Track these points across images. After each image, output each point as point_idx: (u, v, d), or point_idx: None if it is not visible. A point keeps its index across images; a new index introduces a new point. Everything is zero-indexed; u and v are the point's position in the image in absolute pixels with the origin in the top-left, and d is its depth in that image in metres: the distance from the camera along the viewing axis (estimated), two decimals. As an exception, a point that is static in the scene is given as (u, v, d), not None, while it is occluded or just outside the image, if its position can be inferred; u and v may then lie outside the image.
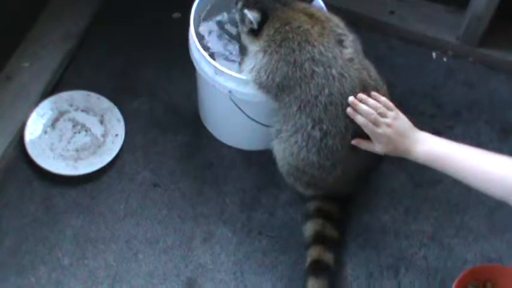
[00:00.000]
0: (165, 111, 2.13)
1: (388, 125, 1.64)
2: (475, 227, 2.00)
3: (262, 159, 2.05)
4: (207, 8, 1.99)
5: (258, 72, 1.75)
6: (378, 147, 1.67)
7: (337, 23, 1.76)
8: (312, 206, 1.91)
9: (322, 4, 1.93)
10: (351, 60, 1.71)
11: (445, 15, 2.43)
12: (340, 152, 1.74)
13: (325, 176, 1.82)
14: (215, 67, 1.84)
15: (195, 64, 1.91)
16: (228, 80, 1.84)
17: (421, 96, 2.28)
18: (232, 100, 1.87)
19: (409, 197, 2.04)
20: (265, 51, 1.73)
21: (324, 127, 1.71)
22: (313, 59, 1.68)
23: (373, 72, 1.77)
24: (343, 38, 1.73)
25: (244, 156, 2.07)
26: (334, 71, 1.68)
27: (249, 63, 1.79)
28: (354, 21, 1.79)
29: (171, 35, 2.20)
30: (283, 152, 1.83)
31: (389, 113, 1.65)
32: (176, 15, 2.29)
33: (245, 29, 1.78)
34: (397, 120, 1.65)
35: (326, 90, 1.68)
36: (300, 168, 1.82)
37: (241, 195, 2.00)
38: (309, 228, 1.87)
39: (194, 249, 1.89)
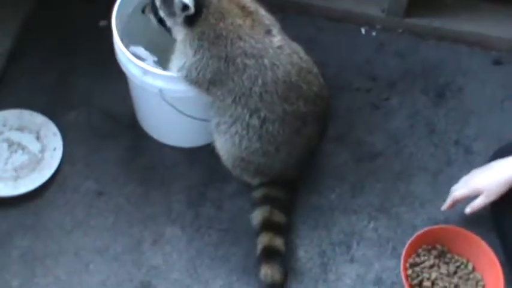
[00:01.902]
0: (102, 118, 2.11)
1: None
2: (419, 193, 2.04)
3: (205, 154, 2.05)
4: (129, 12, 1.98)
5: (189, 70, 1.74)
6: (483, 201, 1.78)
7: (264, 13, 1.77)
8: (258, 193, 1.92)
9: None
10: (280, 47, 1.73)
11: (369, -10, 2.46)
12: (282, 135, 1.76)
13: (271, 162, 1.83)
14: (142, 68, 1.83)
15: (122, 68, 1.90)
16: (157, 79, 1.83)
17: (355, 73, 2.30)
18: (164, 99, 1.86)
19: (352, 172, 2.06)
20: (196, 49, 1.72)
21: (262, 114, 1.73)
22: (245, 54, 1.69)
23: (302, 53, 1.79)
24: (271, 27, 1.74)
25: (186, 154, 2.07)
26: (266, 61, 1.69)
27: (179, 60, 1.77)
28: (280, 6, 1.79)
29: (100, 43, 2.17)
30: (225, 144, 1.84)
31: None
32: (103, 23, 2.27)
33: (179, 20, 1.71)
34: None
35: (259, 81, 1.70)
36: (245, 158, 1.83)
37: (187, 192, 2.00)
38: (257, 216, 1.88)
39: (145, 252, 1.88)
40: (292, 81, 1.73)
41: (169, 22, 1.74)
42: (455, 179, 1.90)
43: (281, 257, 1.82)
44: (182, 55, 1.76)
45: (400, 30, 2.43)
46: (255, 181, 1.93)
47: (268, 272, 1.79)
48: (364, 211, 1.99)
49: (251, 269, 1.86)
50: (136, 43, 1.97)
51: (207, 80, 1.74)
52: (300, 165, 1.93)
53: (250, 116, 1.74)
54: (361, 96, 2.24)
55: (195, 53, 1.73)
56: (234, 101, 1.73)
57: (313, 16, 2.42)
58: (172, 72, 1.80)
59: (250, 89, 1.71)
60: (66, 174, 2.00)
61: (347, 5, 2.43)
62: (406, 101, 2.25)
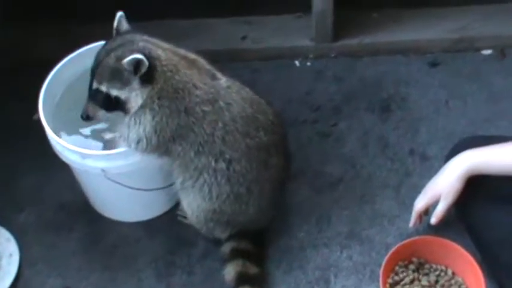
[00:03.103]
0: (54, 212, 2.07)
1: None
2: (386, 211, 2.01)
3: (164, 223, 2.02)
4: (56, 101, 1.96)
5: (148, 137, 1.68)
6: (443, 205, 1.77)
7: (202, 60, 1.75)
8: (227, 248, 1.87)
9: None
10: (229, 87, 1.72)
11: (294, 23, 2.48)
12: (251, 172, 1.73)
13: (245, 206, 1.79)
14: (80, 153, 1.80)
15: (61, 157, 1.87)
16: (98, 160, 1.81)
17: (298, 106, 2.30)
18: (108, 178, 1.83)
19: (316, 206, 2.03)
20: (156, 111, 1.66)
21: (227, 156, 1.70)
22: (202, 101, 1.67)
23: (247, 89, 1.78)
24: (213, 71, 1.73)
25: (145, 227, 2.02)
26: (221, 103, 1.68)
27: (135, 132, 1.69)
28: (211, 56, 1.78)
29: (37, 137, 2.14)
30: (194, 200, 1.79)
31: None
32: (36, 116, 2.24)
33: (135, 84, 1.63)
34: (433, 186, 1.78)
35: (219, 124, 1.68)
36: (217, 209, 1.79)
37: (155, 265, 1.94)
38: (230, 272, 1.83)
39: (124, 337, 1.82)
40: (248, 115, 1.71)
41: (124, 94, 1.65)
42: (418, 188, 1.88)
43: None
44: (138, 125, 1.69)
45: (333, 55, 2.44)
46: (226, 234, 1.88)
47: None
48: (335, 242, 1.95)
49: (233, 330, 1.80)
50: (76, 127, 1.95)
51: (166, 141, 1.69)
52: (273, 206, 1.89)
53: (216, 161, 1.70)
54: (309, 128, 2.23)
55: (154, 116, 1.67)
56: (197, 152, 1.70)
57: (246, 60, 2.43)
58: (129, 147, 1.74)
59: (212, 134, 1.68)
60: (28, 278, 1.93)
61: (276, 42, 2.45)
62: (354, 123, 2.24)
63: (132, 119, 1.70)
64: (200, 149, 1.69)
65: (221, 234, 1.89)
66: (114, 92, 1.65)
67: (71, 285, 1.92)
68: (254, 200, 1.79)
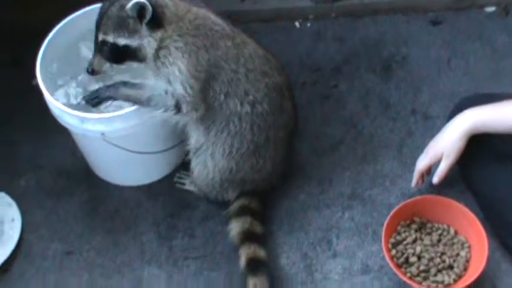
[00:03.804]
0: (55, 177, 2.06)
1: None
2: (388, 171, 2.00)
3: (165, 186, 2.01)
4: (54, 66, 1.94)
5: (187, 80, 1.64)
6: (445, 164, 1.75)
7: None
8: (236, 204, 1.86)
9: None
10: (236, 29, 1.74)
11: (293, -16, 2.43)
12: (270, 115, 1.75)
13: (262, 161, 1.80)
14: (79, 116, 1.79)
15: (60, 121, 1.86)
16: (97, 123, 1.80)
17: (298, 67, 2.27)
18: (108, 141, 1.82)
19: (317, 167, 2.02)
20: (183, 49, 1.63)
21: (251, 97, 1.71)
22: (222, 36, 1.67)
23: None
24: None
25: (147, 191, 2.02)
26: (238, 40, 1.69)
27: (172, 74, 1.64)
28: None
29: (35, 103, 2.12)
30: (211, 160, 1.79)
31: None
32: (34, 81, 2.21)
33: (144, 31, 1.61)
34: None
35: (241, 59, 1.68)
36: (234, 167, 1.79)
37: (156, 229, 1.94)
38: (237, 227, 1.82)
39: (128, 300, 1.82)
40: (261, 55, 1.73)
41: (134, 42, 1.63)
42: (420, 148, 1.87)
43: (267, 267, 1.77)
44: (171, 66, 1.64)
45: (334, 15, 2.40)
46: (235, 194, 1.87)
47: (256, 283, 1.73)
48: (337, 203, 1.95)
49: (237, 289, 1.81)
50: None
51: (203, 82, 1.66)
52: (284, 161, 1.89)
53: (241, 104, 1.71)
54: (309, 89, 2.21)
55: (183, 54, 1.64)
56: (226, 94, 1.69)
57: (245, 22, 2.37)
58: (166, 89, 1.68)
59: (237, 71, 1.68)
60: (30, 242, 1.94)
61: (276, 4, 2.41)
62: (354, 84, 2.21)
63: (160, 63, 1.65)
64: (228, 89, 1.68)
65: (230, 195, 1.88)
66: (122, 41, 1.64)
67: (73, 250, 1.92)
68: (270, 152, 1.80)
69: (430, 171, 1.84)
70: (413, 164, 1.86)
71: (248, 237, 1.81)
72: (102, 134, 1.80)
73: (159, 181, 2.02)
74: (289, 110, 1.82)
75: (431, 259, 1.74)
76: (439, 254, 1.74)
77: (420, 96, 2.14)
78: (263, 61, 1.73)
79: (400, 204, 1.79)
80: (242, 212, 1.85)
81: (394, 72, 2.22)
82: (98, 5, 1.71)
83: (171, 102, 1.69)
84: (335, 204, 1.94)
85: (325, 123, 2.12)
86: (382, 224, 1.78)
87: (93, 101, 1.76)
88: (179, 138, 1.96)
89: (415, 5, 2.36)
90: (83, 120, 1.80)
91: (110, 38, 1.64)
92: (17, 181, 2.05)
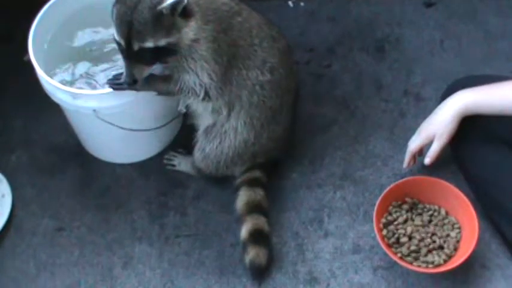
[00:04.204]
0: (46, 153, 2.05)
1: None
2: (379, 151, 2.00)
3: (157, 164, 2.01)
4: (48, 39, 1.92)
5: (213, 70, 1.65)
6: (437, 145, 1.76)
7: None
8: (248, 175, 1.87)
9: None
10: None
11: (288, -38, 2.41)
12: (284, 80, 1.77)
13: (278, 123, 1.81)
14: (71, 92, 1.78)
15: (52, 97, 1.84)
16: (89, 99, 1.78)
17: (292, 47, 2.25)
18: (100, 118, 1.81)
19: (309, 147, 2.03)
20: (209, 38, 1.62)
21: (269, 64, 1.72)
22: (233, 14, 1.67)
23: None
24: None
25: (139, 169, 2.01)
26: (244, 13, 1.69)
27: (201, 70, 1.65)
28: None
29: (28, 78, 2.11)
30: (232, 135, 1.79)
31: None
32: (27, 57, 2.19)
33: (179, 21, 1.56)
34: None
35: (253, 31, 1.69)
36: (252, 138, 1.79)
37: (148, 206, 1.94)
38: (246, 197, 1.83)
39: (118, 277, 1.82)
40: (266, 22, 1.75)
41: (174, 36, 1.57)
42: (411, 130, 1.87)
43: (269, 242, 1.79)
44: (199, 61, 1.64)
45: (328, -5, 2.39)
46: (243, 169, 1.87)
47: (259, 253, 1.75)
48: (329, 183, 1.95)
49: (228, 268, 1.82)
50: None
51: (225, 66, 1.67)
52: (291, 128, 1.91)
53: (262, 73, 1.72)
54: (302, 69, 2.20)
55: (209, 43, 1.62)
56: (247, 68, 1.70)
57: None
58: (194, 81, 1.68)
59: (252, 44, 1.69)
60: (21, 218, 1.93)
61: (270, -18, 2.39)
62: (348, 64, 2.21)
63: (190, 56, 1.63)
64: (248, 62, 1.69)
65: (237, 171, 1.88)
66: (162, 42, 1.57)
67: (64, 226, 1.92)
68: (283, 118, 1.82)
69: (421, 152, 1.85)
70: (405, 144, 1.87)
71: (256, 208, 1.81)
72: (94, 110, 1.79)
73: (151, 159, 2.02)
74: (295, 73, 1.85)
75: (421, 239, 1.75)
76: (429, 235, 1.76)
77: (413, 78, 2.15)
78: (269, 27, 1.75)
79: (392, 185, 1.80)
80: (254, 183, 1.85)
81: (387, 53, 2.22)
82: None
83: (200, 92, 1.69)
84: (327, 184, 1.95)
85: (317, 103, 2.12)
86: (374, 204, 1.78)
87: (117, 86, 1.73)
88: (171, 116, 1.96)
89: (409, -14, 2.36)
90: (75, 96, 1.78)
91: (150, 44, 1.56)
92: (8, 157, 2.04)
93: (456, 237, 1.75)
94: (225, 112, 1.76)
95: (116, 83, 1.72)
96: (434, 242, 1.75)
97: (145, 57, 1.59)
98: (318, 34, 2.29)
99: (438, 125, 1.72)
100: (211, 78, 1.67)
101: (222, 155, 1.82)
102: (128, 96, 1.78)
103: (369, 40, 2.25)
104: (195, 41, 1.61)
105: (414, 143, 1.80)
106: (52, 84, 1.79)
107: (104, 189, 1.98)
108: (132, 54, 1.58)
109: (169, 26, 1.56)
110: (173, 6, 1.53)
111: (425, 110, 1.98)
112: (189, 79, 1.68)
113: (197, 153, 1.87)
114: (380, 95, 2.12)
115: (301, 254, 1.83)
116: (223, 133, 1.80)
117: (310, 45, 2.26)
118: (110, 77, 1.77)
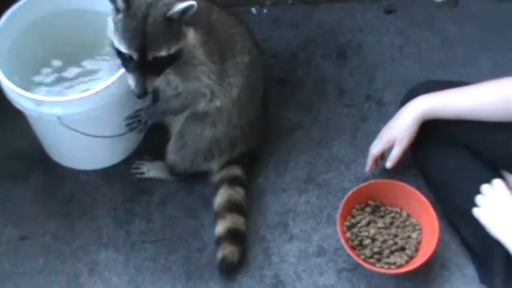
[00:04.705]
0: (8, 160, 2.03)
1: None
2: (342, 155, 2.04)
3: (122, 171, 2.01)
4: (7, 47, 1.91)
5: (211, 70, 1.71)
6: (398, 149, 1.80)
7: None
8: (229, 172, 1.90)
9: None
10: None
11: (250, -31, 2.44)
12: (257, 59, 1.84)
13: (256, 105, 1.87)
14: (35, 99, 1.77)
15: (15, 104, 1.83)
16: (53, 106, 1.78)
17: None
18: (64, 125, 1.80)
19: (274, 151, 2.05)
20: (204, 41, 1.66)
21: (246, 48, 1.79)
22: (209, 11, 1.71)
23: None
24: None
25: (103, 175, 2.01)
26: (216, 9, 1.75)
27: (202, 75, 1.71)
28: None
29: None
30: (217, 123, 1.82)
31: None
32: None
33: (184, 27, 1.59)
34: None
35: (230, 21, 1.79)
36: (235, 121, 1.83)
37: (113, 213, 1.94)
38: (226, 195, 1.86)
39: (84, 284, 1.82)
40: (227, 13, 1.81)
41: (182, 41, 1.59)
42: (373, 134, 1.91)
43: (244, 241, 1.82)
44: (198, 66, 1.69)
45: (290, 2, 2.43)
46: (220, 162, 1.89)
47: (234, 251, 1.78)
48: (293, 186, 1.98)
49: (195, 272, 1.83)
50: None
51: (219, 62, 1.72)
52: (263, 117, 1.95)
53: (243, 55, 1.79)
54: (266, 75, 2.21)
55: (205, 47, 1.67)
56: (233, 56, 1.76)
57: (201, 8, 2.38)
58: (199, 87, 1.74)
59: (233, 34, 1.78)
60: (-17, 228, 1.91)
61: (233, -11, 2.41)
62: (310, 70, 2.24)
63: (189, 63, 1.67)
64: (233, 52, 1.76)
65: (214, 165, 1.90)
66: (173, 49, 1.58)
67: (28, 235, 1.90)
68: (257, 99, 1.87)
69: (383, 156, 1.89)
70: (367, 149, 1.90)
71: (237, 208, 1.84)
72: (59, 117, 1.78)
73: (116, 165, 2.02)
74: (263, 54, 1.94)
75: (384, 241, 1.79)
76: (391, 237, 1.80)
77: (374, 83, 2.19)
78: (233, 15, 1.83)
79: (354, 188, 1.84)
80: (235, 181, 1.88)
81: (349, 59, 2.26)
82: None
83: (206, 93, 1.74)
84: (291, 188, 1.98)
85: (282, 108, 2.14)
86: (337, 207, 1.82)
87: (133, 125, 1.83)
88: (136, 123, 1.96)
89: (369, -7, 2.40)
90: (38, 103, 1.78)
91: (164, 52, 1.56)
92: (-32, 164, 2.02)
93: (417, 238, 1.80)
94: (211, 101, 1.78)
95: (131, 123, 1.82)
96: (396, 243, 1.79)
97: (157, 66, 1.59)
98: (281, 40, 2.32)
99: (399, 130, 1.76)
100: (212, 78, 1.72)
101: (202, 140, 1.83)
102: (93, 103, 1.78)
103: (332, 46, 2.29)
104: (194, 46, 1.65)
105: (376, 148, 1.84)
106: (15, 90, 1.78)
107: (69, 196, 1.97)
108: (145, 65, 1.57)
109: (178, 33, 1.58)
110: (184, 12, 1.53)
111: (386, 115, 2.02)
112: (194, 86, 1.73)
113: (174, 144, 1.87)
114: (342, 100, 2.16)
115: (268, 257, 1.85)
116: (209, 123, 1.83)
117: (273, 51, 2.29)
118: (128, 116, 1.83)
